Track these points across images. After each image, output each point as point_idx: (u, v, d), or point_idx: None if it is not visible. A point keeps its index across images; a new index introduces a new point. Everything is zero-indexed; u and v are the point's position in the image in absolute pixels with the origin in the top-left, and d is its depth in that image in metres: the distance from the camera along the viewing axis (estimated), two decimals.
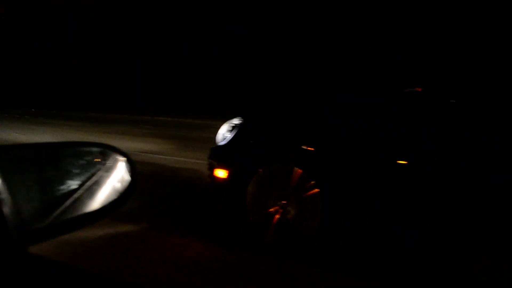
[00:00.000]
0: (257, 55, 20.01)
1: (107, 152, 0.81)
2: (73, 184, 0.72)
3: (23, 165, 0.68)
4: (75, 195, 0.71)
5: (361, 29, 16.59)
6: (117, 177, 0.78)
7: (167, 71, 22.46)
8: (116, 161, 0.80)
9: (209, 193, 3.66)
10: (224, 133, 3.08)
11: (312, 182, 2.67)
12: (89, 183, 0.75)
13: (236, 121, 3.06)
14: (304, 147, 2.72)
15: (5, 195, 0.62)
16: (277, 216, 2.76)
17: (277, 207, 2.77)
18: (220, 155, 3.01)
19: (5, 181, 0.63)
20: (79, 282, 0.68)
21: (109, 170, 0.79)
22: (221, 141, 3.07)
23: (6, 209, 0.61)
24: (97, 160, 0.79)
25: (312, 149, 2.71)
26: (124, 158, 0.80)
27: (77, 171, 0.75)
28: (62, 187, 0.71)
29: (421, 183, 2.51)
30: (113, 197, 0.74)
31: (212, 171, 3.00)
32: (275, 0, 18.94)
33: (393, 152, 2.56)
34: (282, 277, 2.38)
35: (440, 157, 2.50)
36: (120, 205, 0.73)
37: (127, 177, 0.77)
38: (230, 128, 3.05)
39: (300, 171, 2.69)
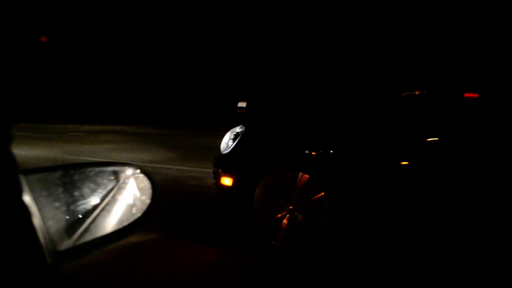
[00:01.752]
0: (257, 55, 20.00)
1: (128, 170, 0.84)
2: (97, 203, 0.76)
3: (51, 186, 0.71)
4: (99, 215, 0.75)
5: (361, 29, 16.59)
6: (139, 195, 0.81)
7: (167, 71, 22.46)
8: (136, 179, 0.83)
9: (215, 200, 3.72)
10: (227, 142, 3.14)
11: (317, 186, 2.70)
12: (111, 202, 0.78)
13: (238, 129, 3.12)
14: (306, 151, 2.77)
15: (37, 217, 0.65)
16: (285, 222, 2.80)
17: (284, 213, 2.80)
18: (225, 163, 3.06)
19: (35, 203, 0.66)
20: None
21: (130, 188, 0.82)
22: (225, 149, 3.11)
23: (39, 231, 0.64)
24: (118, 179, 0.82)
25: (314, 153, 2.75)
26: (145, 176, 0.83)
27: (100, 190, 0.78)
28: (86, 207, 0.74)
29: (422, 183, 2.53)
30: (136, 215, 0.77)
31: (217, 180, 3.04)
32: (275, 0, 18.94)
33: (394, 153, 2.59)
34: (290, 281, 2.47)
35: (440, 157, 2.53)
36: (143, 222, 0.76)
37: (148, 195, 0.80)
38: (233, 137, 3.11)
39: (305, 175, 2.73)
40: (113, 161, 0.83)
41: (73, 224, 0.72)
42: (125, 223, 0.75)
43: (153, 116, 19.90)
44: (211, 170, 3.20)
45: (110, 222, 0.77)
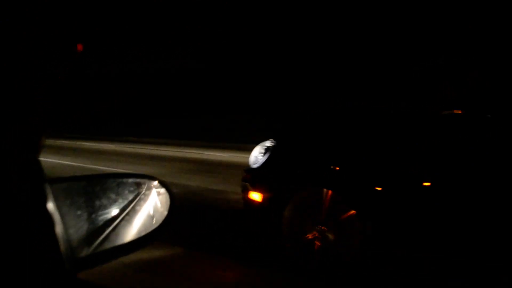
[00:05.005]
0: (257, 55, 19.91)
1: (149, 182, 0.86)
2: (117, 213, 0.77)
3: (74, 195, 0.73)
4: (119, 224, 0.76)
5: (361, 30, 16.48)
6: (159, 207, 0.83)
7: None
8: (156, 191, 0.85)
9: (243, 214, 3.54)
10: (256, 156, 3.08)
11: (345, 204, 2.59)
12: (131, 212, 0.79)
13: (268, 143, 3.06)
14: (332, 167, 2.65)
15: (59, 225, 0.67)
16: (317, 243, 2.67)
17: (315, 232, 2.68)
18: (254, 178, 2.98)
19: (58, 211, 0.68)
20: None
21: (150, 200, 0.84)
22: (254, 163, 3.06)
23: (60, 238, 0.65)
24: (139, 190, 0.84)
25: (338, 168, 2.63)
26: (164, 189, 0.84)
27: (121, 201, 0.79)
28: (106, 216, 0.76)
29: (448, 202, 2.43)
30: (153, 226, 0.78)
31: (246, 194, 2.97)
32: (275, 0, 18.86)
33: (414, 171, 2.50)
34: None
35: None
36: (159, 233, 0.78)
37: (166, 207, 0.81)
38: (263, 151, 3.04)
39: (330, 192, 2.62)
40: (134, 172, 0.85)
41: (94, 232, 0.74)
42: (143, 234, 0.77)
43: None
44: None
45: (130, 232, 0.79)
